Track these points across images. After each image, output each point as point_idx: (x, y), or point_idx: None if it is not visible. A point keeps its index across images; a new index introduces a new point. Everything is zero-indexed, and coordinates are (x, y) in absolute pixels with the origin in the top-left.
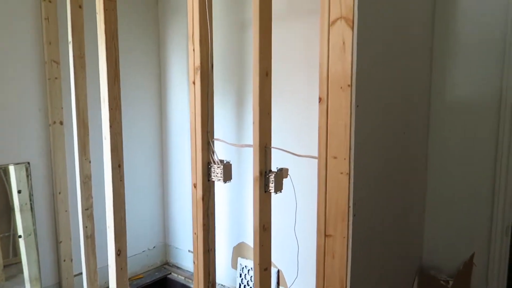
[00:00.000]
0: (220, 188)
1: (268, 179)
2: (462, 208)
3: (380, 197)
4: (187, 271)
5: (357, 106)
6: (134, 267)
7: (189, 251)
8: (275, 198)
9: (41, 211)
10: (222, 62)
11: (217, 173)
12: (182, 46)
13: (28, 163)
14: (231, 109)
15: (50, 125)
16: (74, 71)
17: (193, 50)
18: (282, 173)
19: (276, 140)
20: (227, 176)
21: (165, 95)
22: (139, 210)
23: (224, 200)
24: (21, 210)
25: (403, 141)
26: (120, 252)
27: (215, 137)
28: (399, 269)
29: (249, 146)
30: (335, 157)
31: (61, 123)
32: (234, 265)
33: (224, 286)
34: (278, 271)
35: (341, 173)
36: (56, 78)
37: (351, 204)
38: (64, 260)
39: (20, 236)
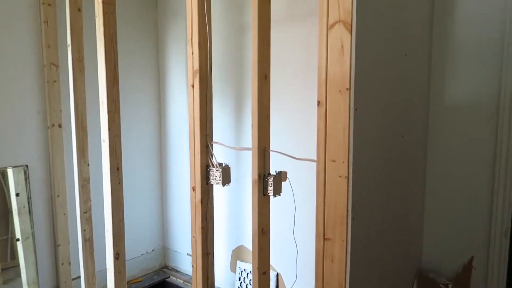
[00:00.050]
0: (219, 191)
1: (267, 183)
2: (461, 211)
3: (379, 200)
4: (186, 274)
5: (356, 109)
6: (132, 270)
7: (188, 254)
8: (274, 201)
9: (39, 214)
10: (221, 65)
11: (216, 176)
12: (181, 49)
13: (27, 166)
14: (230, 112)
15: (48, 128)
16: (73, 74)
17: (192, 53)
18: (280, 177)
19: (275, 143)
20: (225, 179)
21: (164, 98)
22: (138, 213)
23: (223, 203)
24: (19, 213)
25: (401, 144)
26: (118, 256)
27: (214, 140)
28: (398, 272)
29: (247, 149)
30: (333, 161)
31: (60, 126)
32: (233, 268)
33: None
34: (277, 275)
35: (340, 176)
36: (55, 81)
37: (349, 208)
38: (62, 264)
39: (18, 239)
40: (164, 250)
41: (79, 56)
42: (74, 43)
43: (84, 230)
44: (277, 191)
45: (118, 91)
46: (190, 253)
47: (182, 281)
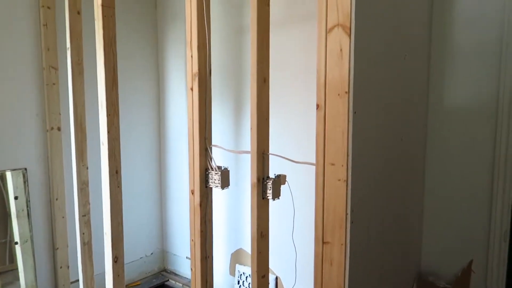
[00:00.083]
0: (218, 194)
1: (266, 186)
2: (460, 214)
3: (378, 203)
4: (185, 278)
5: (355, 112)
6: (131, 274)
7: (187, 257)
8: (273, 204)
9: (38, 217)
10: (220, 68)
11: (215, 180)
12: (181, 51)
13: (25, 169)
14: (229, 115)
15: (47, 131)
16: (72, 77)
17: (191, 56)
18: (279, 180)
19: (274, 146)
20: (224, 182)
21: (164, 100)
22: (137, 216)
23: (222, 207)
24: (17, 217)
25: (401, 146)
26: (117, 259)
27: (213, 143)
28: (397, 275)
29: (246, 152)
30: (332, 164)
31: (59, 129)
32: (232, 271)
33: None
34: (276, 278)
35: (339, 180)
36: (54, 83)
37: (348, 211)
38: (61, 267)
39: (16, 243)
40: (163, 253)
41: (78, 59)
42: (74, 46)
43: (83, 234)
44: (276, 195)
45: (117, 94)
46: (189, 256)
47: (181, 285)
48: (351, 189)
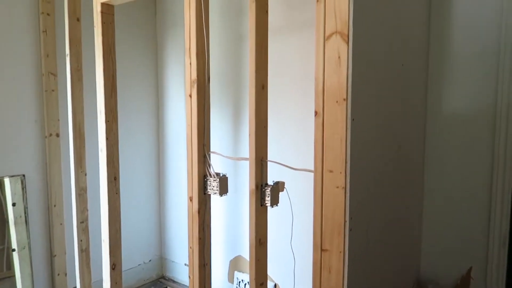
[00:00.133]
0: (217, 201)
1: (264, 193)
2: (459, 219)
3: (376, 210)
4: (183, 285)
5: (353, 119)
6: (129, 281)
7: (185, 264)
8: (271, 211)
9: (35, 224)
10: (219, 75)
11: (213, 186)
12: (180, 58)
13: (23, 175)
14: (228, 121)
15: (46, 137)
16: (71, 83)
17: (190, 63)
18: (278, 187)
19: (273, 152)
20: (223, 189)
21: (163, 107)
22: (135, 222)
23: (220, 213)
24: (15, 223)
25: (399, 153)
26: (115, 266)
27: (211, 149)
28: (396, 283)
29: (245, 159)
30: (331, 171)
31: (57, 135)
32: (230, 279)
33: None
34: (275, 286)
35: (337, 187)
36: (53, 90)
37: (347, 219)
38: (58, 274)
39: (13, 250)
40: (162, 260)
41: (78, 66)
42: (73, 52)
43: (81, 241)
44: (275, 202)
45: (116, 101)
46: (188, 263)
47: None
48: (350, 196)
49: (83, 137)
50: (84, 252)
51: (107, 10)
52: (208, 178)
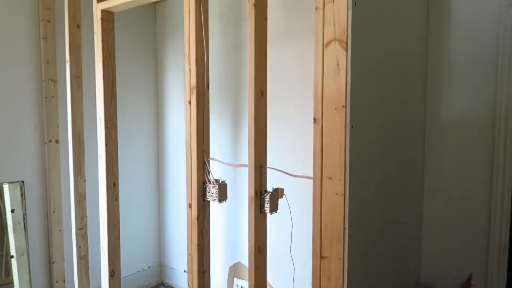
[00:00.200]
0: (216, 207)
1: (264, 200)
2: (460, 228)
3: (376, 217)
4: None
5: (352, 126)
6: (128, 287)
7: (184, 271)
8: (270, 218)
9: (34, 230)
10: (219, 81)
11: (213, 193)
12: (180, 64)
13: (23, 181)
14: (227, 128)
15: (45, 143)
16: (71, 90)
17: (189, 70)
18: (277, 193)
19: (273, 159)
20: (222, 196)
21: (162, 113)
22: (134, 229)
23: (220, 220)
24: (14, 230)
25: (398, 160)
26: (114, 273)
27: (211, 156)
28: (396, 283)
29: (244, 166)
30: (330, 178)
31: (57, 141)
32: (230, 286)
33: None
34: None
35: (336, 194)
36: (52, 96)
37: (346, 226)
38: (57, 281)
39: (12, 256)
40: (161, 266)
41: (77, 72)
42: (73, 59)
43: (80, 247)
44: (274, 208)
45: (116, 107)
46: (187, 270)
47: None
48: (349, 203)
49: (82, 144)
50: (83, 258)
51: (107, 17)
52: (207, 184)
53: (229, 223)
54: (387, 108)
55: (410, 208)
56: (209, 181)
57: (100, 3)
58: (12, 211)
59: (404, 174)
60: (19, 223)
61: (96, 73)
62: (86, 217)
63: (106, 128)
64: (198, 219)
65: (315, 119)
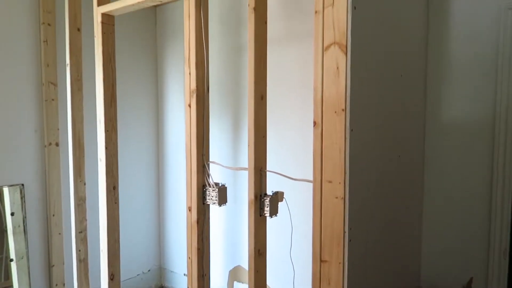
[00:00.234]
0: (216, 211)
1: (263, 203)
2: (460, 231)
3: (376, 218)
4: None
5: (352, 130)
6: None
7: (184, 274)
8: (270, 221)
9: (34, 233)
10: (219, 85)
11: (212, 196)
12: (180, 67)
13: (22, 184)
14: (227, 131)
15: (45, 146)
16: (71, 93)
17: (189, 73)
18: (277, 197)
19: (272, 162)
20: (222, 199)
21: (162, 116)
22: (134, 232)
23: (219, 223)
24: (14, 233)
25: (398, 162)
26: (113, 277)
27: (211, 159)
28: (397, 282)
29: (244, 169)
30: (330, 181)
31: (57, 144)
32: None
33: None
34: None
35: (336, 197)
36: (53, 99)
37: (346, 229)
38: (56, 285)
39: (11, 260)
40: (161, 270)
41: (78, 75)
42: (73, 62)
43: (79, 251)
44: (274, 212)
45: (116, 110)
46: (187, 273)
47: None
48: (349, 206)
49: (82, 147)
50: (83, 262)
51: (108, 21)
52: (207, 188)
53: (229, 226)
54: (387, 108)
55: (410, 208)
56: (209, 184)
57: (101, 7)
58: (12, 214)
59: (404, 174)
60: (19, 226)
61: (96, 76)
62: (86, 220)
63: (106, 131)
64: (198, 222)
65: (315, 123)
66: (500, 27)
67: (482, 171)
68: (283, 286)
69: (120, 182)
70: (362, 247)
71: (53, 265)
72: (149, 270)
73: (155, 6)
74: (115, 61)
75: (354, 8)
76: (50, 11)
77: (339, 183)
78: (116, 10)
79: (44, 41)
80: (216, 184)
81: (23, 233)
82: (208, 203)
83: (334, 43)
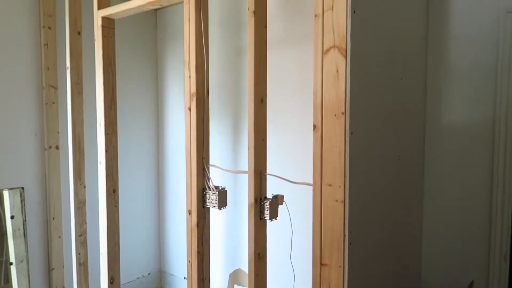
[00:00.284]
0: (216, 214)
1: (263, 206)
2: (460, 235)
3: (376, 219)
4: None
5: (351, 133)
6: None
7: (184, 277)
8: (270, 225)
9: (34, 237)
10: (219, 88)
11: (212, 200)
12: (180, 70)
13: (22, 188)
14: (227, 134)
15: (45, 149)
16: (71, 96)
17: (189, 76)
18: (277, 200)
19: (272, 165)
20: (222, 202)
21: (162, 119)
22: (134, 235)
23: (219, 227)
24: (13, 236)
25: (398, 165)
26: (113, 280)
27: (211, 162)
28: (397, 283)
29: (244, 172)
30: (330, 185)
31: (57, 147)
32: None
33: None
34: None
35: (336, 201)
36: (53, 102)
37: (346, 233)
38: None
39: (11, 263)
40: (161, 273)
41: (78, 79)
42: (73, 65)
43: (79, 254)
44: (274, 215)
45: (116, 113)
46: (187, 276)
47: None
48: (349, 210)
49: (82, 150)
50: (82, 265)
51: (108, 24)
52: (207, 191)
53: (229, 229)
54: (387, 109)
55: (410, 209)
56: (209, 187)
57: (101, 10)
58: (12, 217)
59: (404, 175)
60: (19, 229)
61: (96, 80)
62: (86, 223)
63: (106, 134)
64: (197, 225)
65: (314, 126)
66: (499, 30)
67: (482, 173)
68: None
69: (120, 185)
70: (362, 250)
71: (53, 269)
72: (149, 274)
73: (155, 10)
74: (115, 64)
75: (353, 11)
76: (51, 15)
77: (339, 186)
78: (116, 13)
79: (44, 45)
80: (216, 187)
81: (23, 236)
82: (208, 206)
83: (334, 46)
